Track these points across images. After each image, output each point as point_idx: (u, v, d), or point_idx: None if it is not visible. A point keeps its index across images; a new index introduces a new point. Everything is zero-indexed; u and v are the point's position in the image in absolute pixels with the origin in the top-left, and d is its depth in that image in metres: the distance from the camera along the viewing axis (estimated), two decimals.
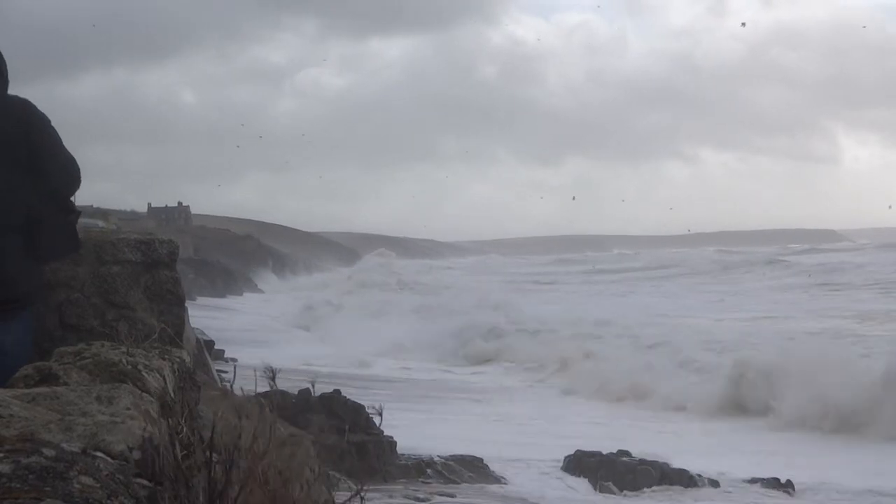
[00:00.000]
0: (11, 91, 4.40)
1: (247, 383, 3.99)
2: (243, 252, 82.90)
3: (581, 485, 13.26)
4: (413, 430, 14.93)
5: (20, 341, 4.38)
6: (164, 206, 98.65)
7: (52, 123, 4.47)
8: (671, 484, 13.28)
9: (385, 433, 12.83)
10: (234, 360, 22.53)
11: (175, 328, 5.04)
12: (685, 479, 13.37)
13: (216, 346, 21.59)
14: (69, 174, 4.52)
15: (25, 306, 4.43)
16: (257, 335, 32.16)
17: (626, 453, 14.05)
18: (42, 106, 4.42)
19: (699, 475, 13.52)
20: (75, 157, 4.55)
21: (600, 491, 13.15)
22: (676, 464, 13.82)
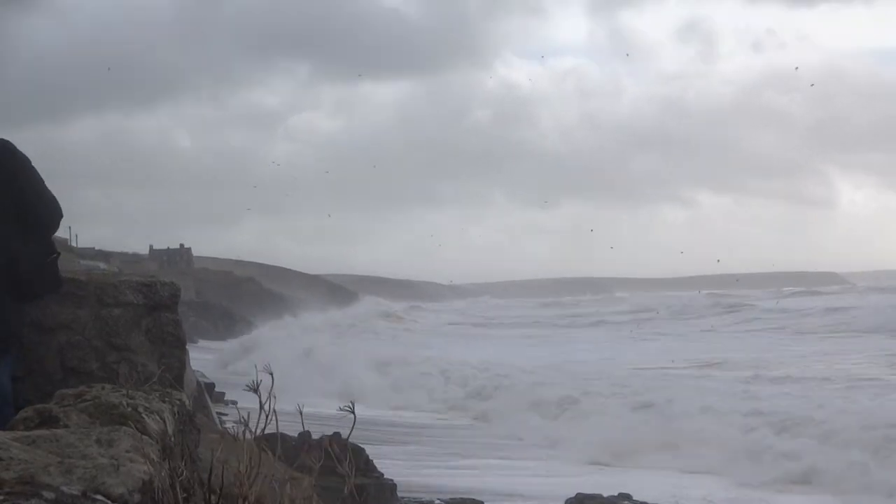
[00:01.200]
0: (3, 135, 4.43)
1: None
2: (245, 294, 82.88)
3: None
4: (409, 472, 14.87)
5: (7, 383, 4.40)
6: (165, 248, 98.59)
7: (37, 163, 4.50)
8: None
9: (384, 475, 12.78)
10: (234, 402, 22.45)
11: (175, 371, 5.05)
12: None
13: (217, 389, 21.53)
14: (51, 213, 4.55)
15: (9, 348, 4.45)
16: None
17: (628, 497, 13.96)
18: (34, 150, 4.46)
19: None
20: (68, 198, 4.60)
21: None
22: None
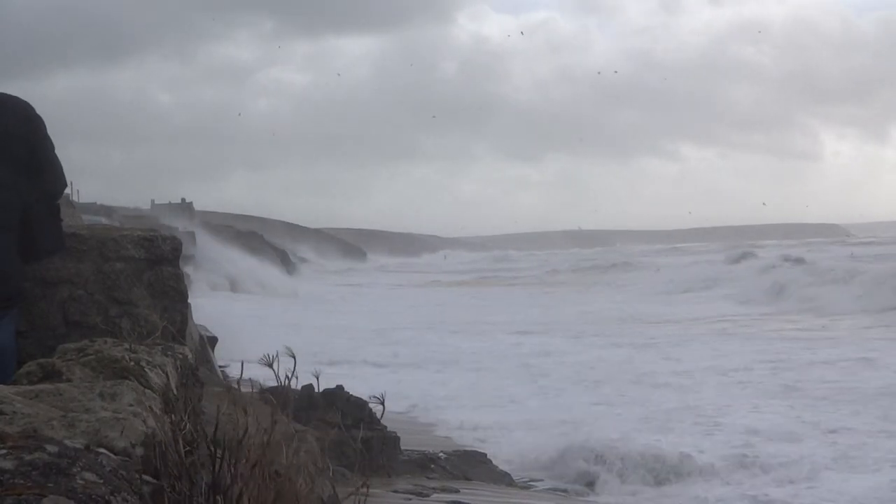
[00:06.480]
0: None
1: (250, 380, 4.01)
2: (247, 249, 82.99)
3: (584, 478, 13.27)
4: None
5: (12, 338, 4.42)
6: (167, 202, 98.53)
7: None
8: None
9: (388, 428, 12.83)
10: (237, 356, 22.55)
11: (178, 325, 5.05)
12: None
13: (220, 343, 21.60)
14: (59, 179, 4.59)
15: (16, 305, 4.47)
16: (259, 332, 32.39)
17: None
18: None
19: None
20: (63, 158, 4.63)
21: (601, 485, 13.15)
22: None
